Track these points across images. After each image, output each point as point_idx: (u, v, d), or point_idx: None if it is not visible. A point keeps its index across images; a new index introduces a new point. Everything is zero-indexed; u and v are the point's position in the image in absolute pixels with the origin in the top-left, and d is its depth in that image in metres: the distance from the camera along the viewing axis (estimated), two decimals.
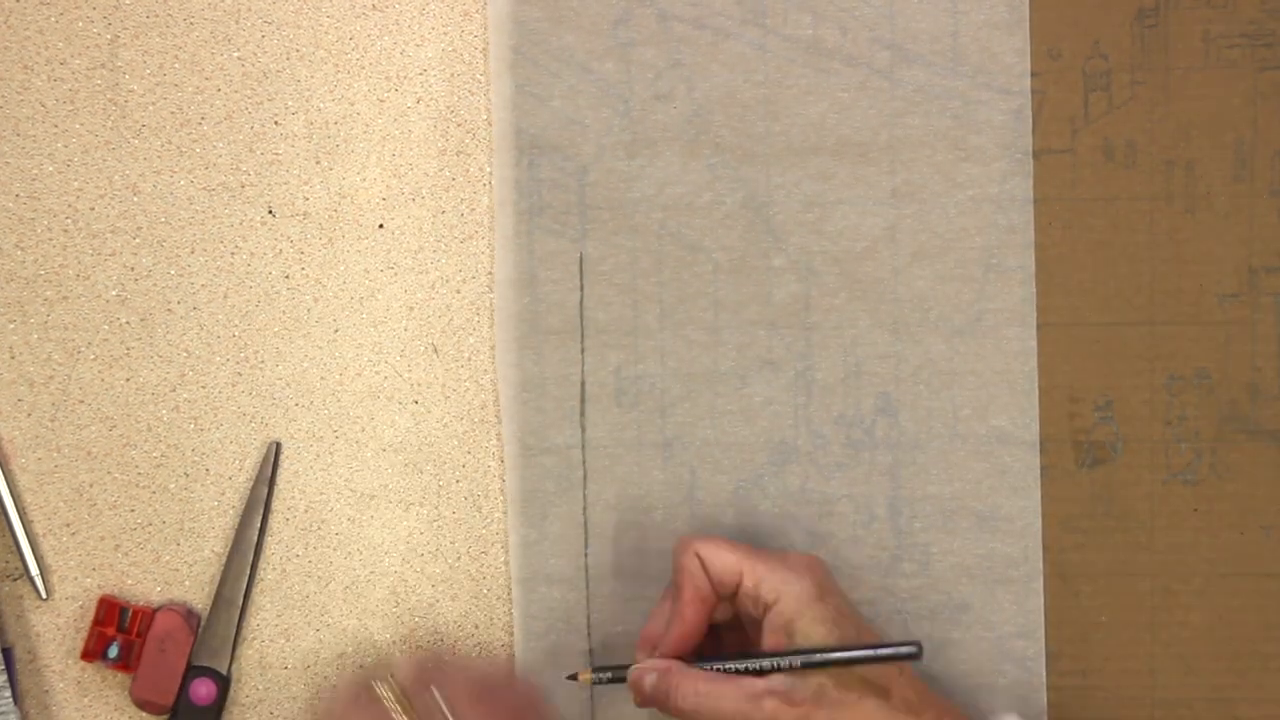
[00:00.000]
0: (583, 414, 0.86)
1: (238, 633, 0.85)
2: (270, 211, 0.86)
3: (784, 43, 0.85)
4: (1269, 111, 0.83)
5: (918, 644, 0.73)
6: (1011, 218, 0.84)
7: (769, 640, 0.76)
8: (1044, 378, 0.85)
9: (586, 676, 0.81)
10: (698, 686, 0.76)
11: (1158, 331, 0.84)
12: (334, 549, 0.86)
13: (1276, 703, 0.85)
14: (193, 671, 0.85)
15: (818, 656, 0.74)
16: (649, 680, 0.78)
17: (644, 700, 0.78)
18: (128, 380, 0.86)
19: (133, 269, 0.85)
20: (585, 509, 0.86)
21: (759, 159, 0.85)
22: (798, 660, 0.75)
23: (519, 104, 0.85)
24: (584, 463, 0.86)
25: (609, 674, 0.80)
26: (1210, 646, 0.85)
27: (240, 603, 0.85)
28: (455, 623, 0.86)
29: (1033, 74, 0.84)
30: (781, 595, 0.77)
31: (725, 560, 0.78)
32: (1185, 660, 0.85)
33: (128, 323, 0.85)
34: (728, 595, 0.79)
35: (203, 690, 0.85)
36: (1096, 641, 0.85)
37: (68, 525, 0.86)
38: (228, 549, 0.86)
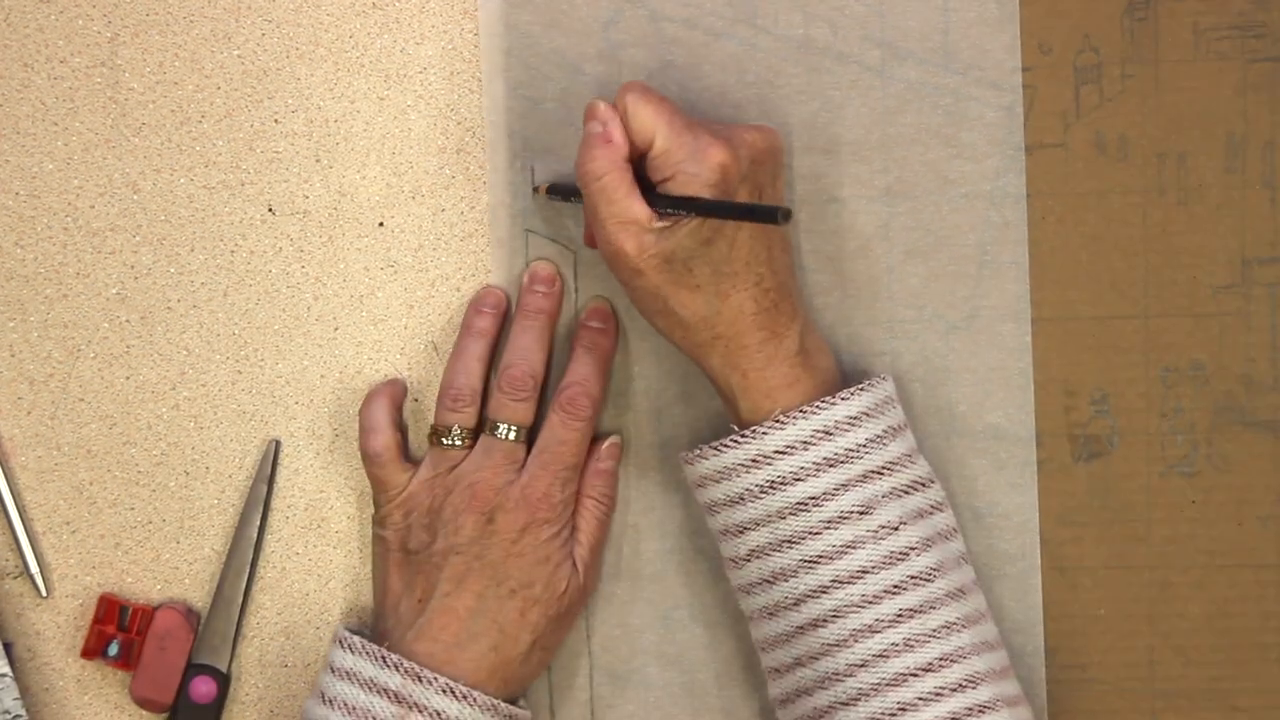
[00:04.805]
0: None
1: (238, 631, 0.85)
2: (270, 210, 0.86)
3: (775, 42, 0.85)
4: (1259, 103, 0.84)
5: (787, 210, 0.71)
6: (1005, 213, 0.85)
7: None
8: (1039, 372, 0.85)
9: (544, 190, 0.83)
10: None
11: (1152, 324, 0.85)
12: (334, 547, 0.86)
13: (1275, 693, 0.85)
14: (193, 669, 0.84)
15: (686, 202, 0.74)
16: (602, 106, 0.77)
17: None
18: (127, 378, 0.86)
19: (133, 267, 0.86)
20: None
21: None
22: (665, 205, 0.75)
23: (512, 107, 0.86)
24: None
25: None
26: (1209, 638, 0.85)
27: (240, 601, 0.85)
28: None
29: (1024, 69, 0.84)
30: (676, 175, 0.75)
31: (643, 119, 0.76)
32: (1184, 652, 0.85)
33: (128, 321, 0.86)
34: (639, 154, 0.77)
35: (203, 688, 0.84)
36: (1095, 635, 0.85)
37: (68, 523, 0.86)
38: (228, 547, 0.85)
